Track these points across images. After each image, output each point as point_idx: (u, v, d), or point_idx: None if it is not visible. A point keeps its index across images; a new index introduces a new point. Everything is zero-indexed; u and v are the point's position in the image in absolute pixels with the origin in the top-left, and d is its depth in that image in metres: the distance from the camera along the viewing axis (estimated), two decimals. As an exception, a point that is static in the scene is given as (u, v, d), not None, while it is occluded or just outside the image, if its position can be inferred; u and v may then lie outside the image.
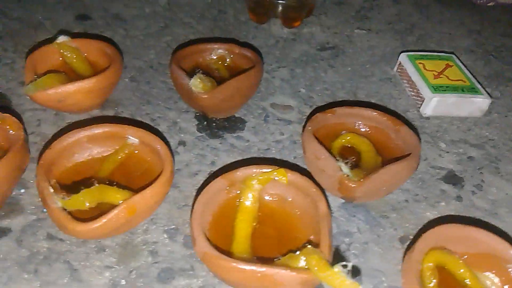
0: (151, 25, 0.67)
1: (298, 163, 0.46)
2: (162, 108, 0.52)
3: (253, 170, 0.37)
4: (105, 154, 0.40)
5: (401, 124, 0.44)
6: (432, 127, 0.53)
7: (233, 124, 0.51)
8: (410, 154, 0.40)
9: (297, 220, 0.36)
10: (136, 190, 0.35)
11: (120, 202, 0.33)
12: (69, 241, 0.37)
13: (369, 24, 0.73)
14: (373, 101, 0.57)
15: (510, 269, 0.32)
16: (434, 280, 0.32)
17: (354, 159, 0.39)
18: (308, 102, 0.55)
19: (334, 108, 0.45)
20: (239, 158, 0.47)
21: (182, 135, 0.49)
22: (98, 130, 0.38)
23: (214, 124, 0.51)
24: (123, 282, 0.34)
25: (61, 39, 0.50)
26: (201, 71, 0.44)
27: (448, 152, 0.50)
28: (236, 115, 0.52)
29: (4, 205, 0.38)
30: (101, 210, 0.33)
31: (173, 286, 0.34)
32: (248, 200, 0.36)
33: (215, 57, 0.54)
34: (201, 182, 0.43)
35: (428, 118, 0.55)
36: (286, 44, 0.67)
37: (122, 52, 0.59)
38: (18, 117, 0.47)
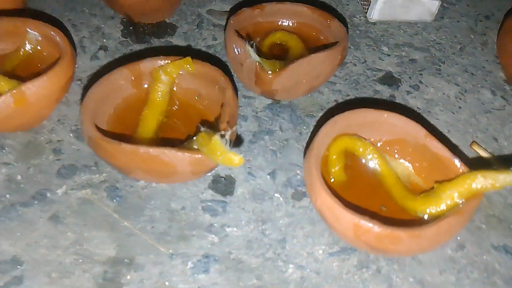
0: None
1: (226, 66, 0.44)
2: (86, 14, 0.48)
3: (160, 61, 0.34)
4: (7, 52, 0.37)
5: (332, 18, 0.41)
6: (377, 31, 0.50)
7: (162, 29, 0.48)
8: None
9: (206, 111, 0.34)
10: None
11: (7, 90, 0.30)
12: (-34, 140, 0.34)
13: None
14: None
15: (422, 152, 0.31)
16: (339, 165, 0.30)
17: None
18: (247, 6, 0.52)
19: (262, 4, 0.42)
20: (165, 62, 0.44)
21: (105, 40, 0.45)
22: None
23: (141, 29, 0.47)
24: (19, 177, 0.32)
25: None
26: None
27: (389, 55, 0.48)
28: (167, 21, 0.49)
29: None
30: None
31: (73, 181, 0.33)
32: (156, 93, 0.34)
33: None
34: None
35: (374, 23, 0.52)
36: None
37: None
38: None
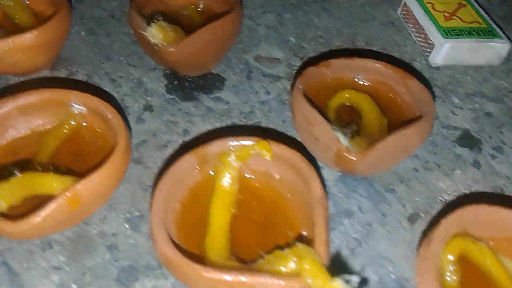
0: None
1: (287, 130, 0.39)
2: (124, 65, 0.44)
3: (230, 143, 0.29)
4: (47, 127, 0.32)
5: (410, 77, 0.36)
6: (443, 78, 0.46)
7: (210, 82, 0.43)
8: (421, 115, 0.33)
9: (286, 203, 0.30)
10: (86, 173, 0.28)
11: (59, 191, 0.26)
12: (8, 236, 0.30)
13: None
14: (374, 49, 0.49)
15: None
16: (455, 277, 0.26)
17: (354, 125, 0.31)
18: (299, 53, 0.47)
19: (329, 60, 0.37)
20: (218, 124, 0.39)
21: (149, 98, 0.41)
22: (31, 98, 0.30)
23: (187, 83, 0.43)
24: (74, 286, 0.28)
25: (-7, -17, 0.40)
26: (161, 18, 0.35)
27: (462, 108, 0.43)
28: (214, 72, 0.44)
29: None
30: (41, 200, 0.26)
31: (136, 290, 0.28)
32: (225, 181, 0.29)
33: (185, 1, 0.45)
34: (172, 155, 0.36)
35: (438, 68, 0.47)
36: (272, -16, 0.57)
37: (76, -1, 0.50)
38: None
